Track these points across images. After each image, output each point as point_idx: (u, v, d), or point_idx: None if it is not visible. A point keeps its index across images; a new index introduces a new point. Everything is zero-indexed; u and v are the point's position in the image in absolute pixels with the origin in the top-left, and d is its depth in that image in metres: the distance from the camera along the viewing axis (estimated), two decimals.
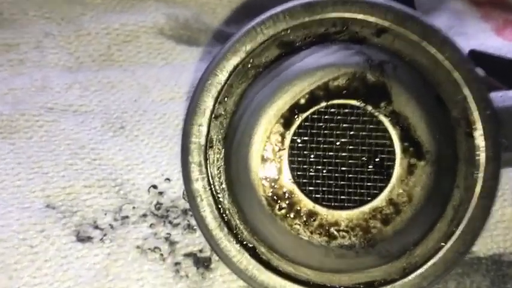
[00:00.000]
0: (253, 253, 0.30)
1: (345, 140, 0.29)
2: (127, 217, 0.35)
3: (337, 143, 0.29)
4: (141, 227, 0.35)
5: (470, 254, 0.37)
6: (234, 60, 0.30)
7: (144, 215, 0.35)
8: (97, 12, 0.49)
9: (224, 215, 0.31)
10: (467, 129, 0.30)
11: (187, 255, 0.33)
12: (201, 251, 0.33)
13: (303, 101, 0.29)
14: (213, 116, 0.30)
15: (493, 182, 0.30)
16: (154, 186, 0.37)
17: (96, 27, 0.47)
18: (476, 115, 0.30)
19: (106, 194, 0.36)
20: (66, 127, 0.39)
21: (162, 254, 0.33)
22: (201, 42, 0.50)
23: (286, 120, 0.29)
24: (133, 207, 0.36)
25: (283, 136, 0.29)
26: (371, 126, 0.29)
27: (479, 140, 0.30)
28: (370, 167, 0.29)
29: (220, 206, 0.31)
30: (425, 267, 0.30)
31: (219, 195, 0.31)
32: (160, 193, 0.37)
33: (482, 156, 0.30)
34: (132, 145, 0.39)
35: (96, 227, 0.34)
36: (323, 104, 0.29)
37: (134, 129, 0.40)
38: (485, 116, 0.30)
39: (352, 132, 0.29)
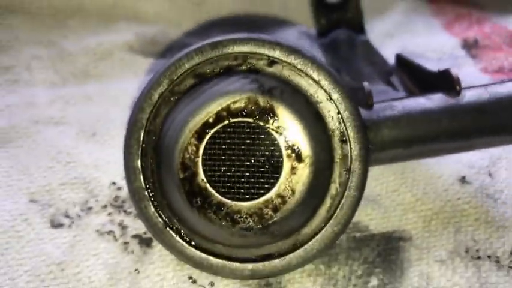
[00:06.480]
0: (180, 234, 0.37)
1: (244, 147, 0.35)
2: (91, 208, 0.42)
3: (239, 151, 0.35)
4: (102, 215, 0.41)
5: (365, 232, 0.41)
6: (160, 90, 0.37)
7: (105, 206, 0.42)
8: (77, 34, 0.56)
9: (158, 208, 0.37)
10: (341, 138, 0.37)
11: (134, 236, 0.40)
12: (145, 233, 0.40)
13: (211, 120, 0.35)
14: (147, 131, 0.37)
15: (361, 178, 0.37)
16: (114, 183, 0.43)
17: (76, 48, 0.54)
18: (348, 126, 0.36)
19: (76, 190, 0.42)
20: (47, 136, 0.46)
21: (115, 236, 0.40)
22: (167, 55, 0.57)
23: (199, 135, 0.35)
24: (96, 200, 0.42)
25: (197, 147, 0.35)
26: (263, 137, 0.35)
27: (350, 146, 0.37)
28: (263, 168, 0.35)
29: (154, 200, 0.37)
30: (309, 243, 0.36)
31: (153, 193, 0.37)
32: (119, 188, 0.43)
33: (353, 159, 0.36)
34: (101, 148, 0.45)
35: (67, 216, 0.41)
36: (226, 122, 0.35)
37: (104, 135, 0.47)
38: (354, 127, 0.37)
39: (249, 141, 0.35)
